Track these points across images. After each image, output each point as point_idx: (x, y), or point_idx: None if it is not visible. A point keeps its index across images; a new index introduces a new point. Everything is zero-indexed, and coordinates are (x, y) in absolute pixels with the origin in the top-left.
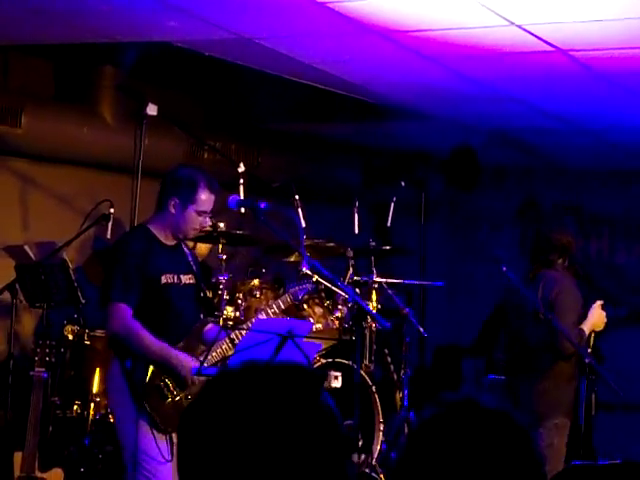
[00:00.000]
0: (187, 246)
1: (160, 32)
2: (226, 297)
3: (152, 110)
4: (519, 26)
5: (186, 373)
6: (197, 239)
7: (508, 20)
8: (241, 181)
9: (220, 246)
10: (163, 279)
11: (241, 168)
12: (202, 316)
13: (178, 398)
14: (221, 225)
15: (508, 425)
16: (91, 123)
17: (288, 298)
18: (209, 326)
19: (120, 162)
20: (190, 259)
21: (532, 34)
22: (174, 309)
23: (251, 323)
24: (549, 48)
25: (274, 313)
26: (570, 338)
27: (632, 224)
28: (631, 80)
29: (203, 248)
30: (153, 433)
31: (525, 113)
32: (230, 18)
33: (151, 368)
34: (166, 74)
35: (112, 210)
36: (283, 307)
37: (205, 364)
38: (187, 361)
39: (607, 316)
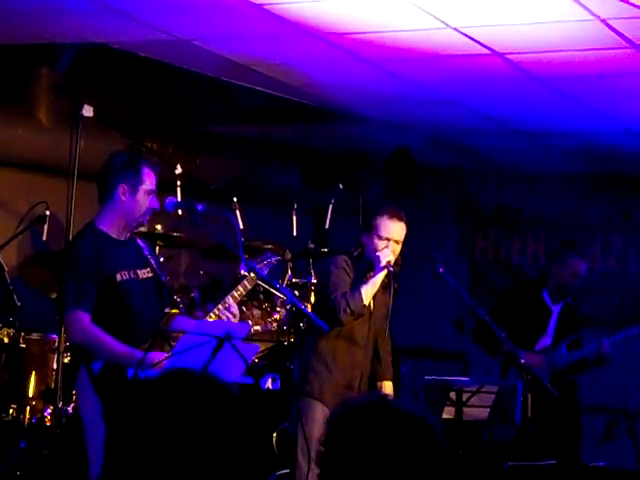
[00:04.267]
0: (143, 239)
1: (97, 33)
2: None
3: (88, 111)
4: (455, 29)
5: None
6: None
7: (444, 23)
8: (178, 183)
9: (157, 248)
10: (118, 276)
11: (178, 170)
12: (167, 310)
13: None
14: (158, 227)
15: (411, 422)
16: (26, 124)
17: (251, 276)
18: (175, 319)
19: (56, 164)
20: (147, 252)
21: (468, 37)
22: (134, 306)
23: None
24: (485, 51)
25: (240, 294)
26: None
27: (568, 227)
28: (567, 83)
29: None
30: None
31: (462, 115)
32: (167, 20)
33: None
34: (103, 75)
35: (48, 212)
36: (249, 287)
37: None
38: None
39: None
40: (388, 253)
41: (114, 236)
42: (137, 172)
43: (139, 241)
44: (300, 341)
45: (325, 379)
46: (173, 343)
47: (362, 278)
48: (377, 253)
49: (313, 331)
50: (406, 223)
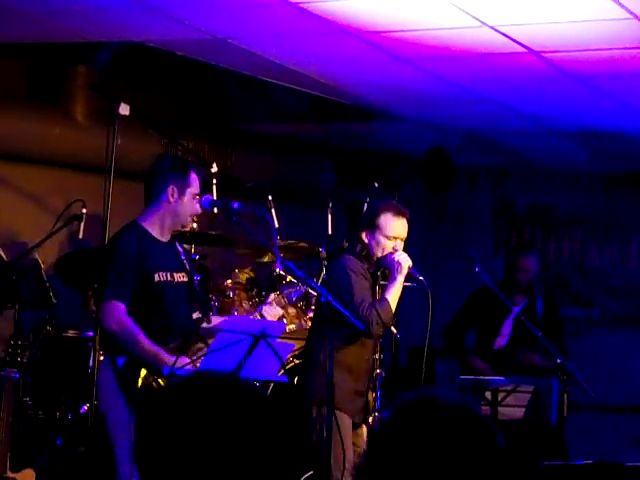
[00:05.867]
0: (181, 244)
1: (133, 32)
2: None
3: (124, 110)
4: (491, 27)
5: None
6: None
7: (480, 21)
8: (214, 181)
9: (192, 246)
10: (156, 277)
11: (214, 168)
12: (197, 315)
13: None
14: (194, 225)
15: (467, 418)
16: (63, 122)
17: (282, 300)
18: (204, 324)
19: (92, 162)
20: (183, 257)
21: (504, 35)
22: (167, 307)
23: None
24: (521, 49)
25: (281, 313)
26: None
27: (604, 226)
28: (603, 81)
29: None
30: None
31: (498, 114)
32: (203, 18)
33: (143, 369)
34: (139, 74)
35: (84, 210)
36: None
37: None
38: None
39: (580, 318)
40: (406, 257)
41: (156, 236)
42: (185, 175)
43: (178, 245)
44: (308, 343)
45: (345, 388)
46: (199, 345)
47: (375, 279)
48: (395, 259)
49: (329, 336)
50: (408, 219)
